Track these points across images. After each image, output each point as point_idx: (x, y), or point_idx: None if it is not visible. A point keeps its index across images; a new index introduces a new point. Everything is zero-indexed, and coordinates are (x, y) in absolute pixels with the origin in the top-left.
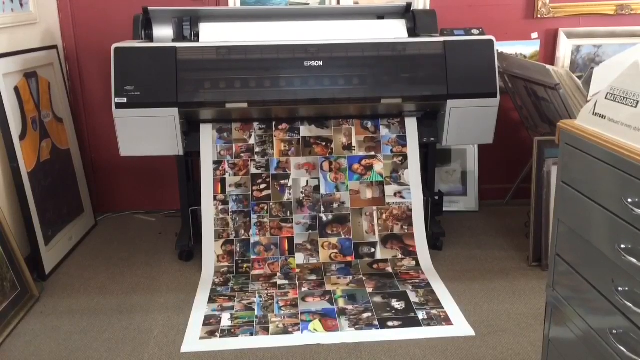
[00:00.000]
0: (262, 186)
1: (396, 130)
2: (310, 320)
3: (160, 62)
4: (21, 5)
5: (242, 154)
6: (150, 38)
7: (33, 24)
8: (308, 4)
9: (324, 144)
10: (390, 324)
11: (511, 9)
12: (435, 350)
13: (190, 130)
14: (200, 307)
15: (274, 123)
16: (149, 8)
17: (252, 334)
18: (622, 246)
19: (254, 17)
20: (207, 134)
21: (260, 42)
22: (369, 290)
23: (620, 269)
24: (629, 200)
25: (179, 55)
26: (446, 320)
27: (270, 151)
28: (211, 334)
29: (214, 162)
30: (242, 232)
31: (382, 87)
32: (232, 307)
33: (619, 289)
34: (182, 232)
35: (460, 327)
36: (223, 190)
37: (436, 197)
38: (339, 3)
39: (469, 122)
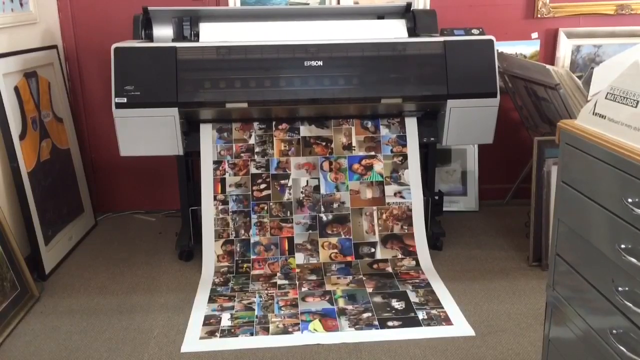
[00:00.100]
0: (262, 186)
1: (396, 130)
2: (310, 320)
3: (160, 62)
4: (21, 5)
5: (242, 154)
6: (150, 38)
7: (33, 24)
8: (308, 4)
9: (324, 143)
10: (390, 324)
11: (511, 9)
12: (435, 350)
13: (190, 130)
14: (200, 307)
15: (274, 123)
16: (149, 8)
17: (252, 334)
18: (622, 246)
19: (254, 17)
20: (207, 134)
21: (260, 42)
22: (369, 290)
23: (620, 269)
24: (629, 200)
25: (179, 55)
26: (446, 320)
27: (270, 151)
28: (211, 334)
29: (214, 162)
30: (242, 232)
31: (382, 87)
32: (232, 307)
33: (619, 288)
34: (182, 232)
35: (460, 327)
36: (223, 190)
37: (436, 197)
38: (339, 3)
39: (469, 122)
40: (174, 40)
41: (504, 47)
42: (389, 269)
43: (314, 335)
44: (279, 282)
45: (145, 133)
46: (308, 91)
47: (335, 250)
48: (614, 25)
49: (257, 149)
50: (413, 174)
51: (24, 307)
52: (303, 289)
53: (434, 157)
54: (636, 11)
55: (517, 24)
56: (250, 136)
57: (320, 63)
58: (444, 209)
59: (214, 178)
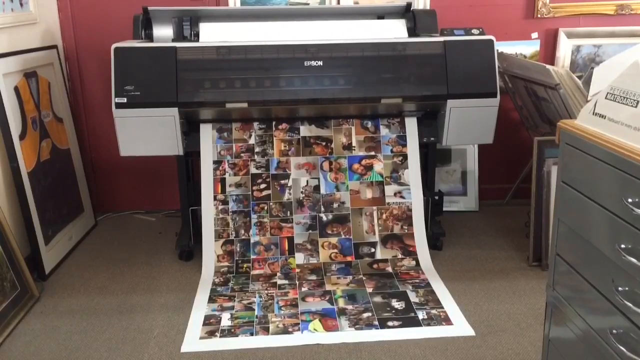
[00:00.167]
0: (262, 186)
1: (396, 130)
2: (310, 320)
3: (160, 62)
4: (21, 5)
5: (242, 154)
6: (150, 38)
7: (33, 24)
8: (308, 4)
9: (324, 143)
10: (390, 323)
11: (511, 9)
12: (435, 350)
13: (190, 130)
14: (200, 307)
15: (274, 123)
16: (149, 8)
17: (252, 334)
18: (622, 246)
19: (254, 17)
20: (207, 134)
21: (260, 42)
22: (369, 290)
23: (620, 268)
24: (629, 200)
25: (179, 55)
26: (446, 320)
27: (270, 151)
28: (211, 334)
29: (214, 162)
30: (242, 232)
31: (382, 87)
32: (232, 307)
33: (619, 288)
34: (182, 232)
35: (460, 327)
36: (223, 190)
37: (436, 197)
38: (339, 3)
39: (469, 122)
40: (174, 40)
41: (504, 47)
42: (389, 269)
43: (314, 335)
44: (279, 282)
45: (145, 133)
46: (308, 91)
47: (335, 250)
48: (614, 25)
49: (257, 149)
50: (413, 174)
51: (24, 307)
52: (303, 289)
53: (434, 157)
54: (636, 11)
55: (517, 24)
56: (250, 136)
57: (320, 63)
58: (444, 209)
59: (214, 178)
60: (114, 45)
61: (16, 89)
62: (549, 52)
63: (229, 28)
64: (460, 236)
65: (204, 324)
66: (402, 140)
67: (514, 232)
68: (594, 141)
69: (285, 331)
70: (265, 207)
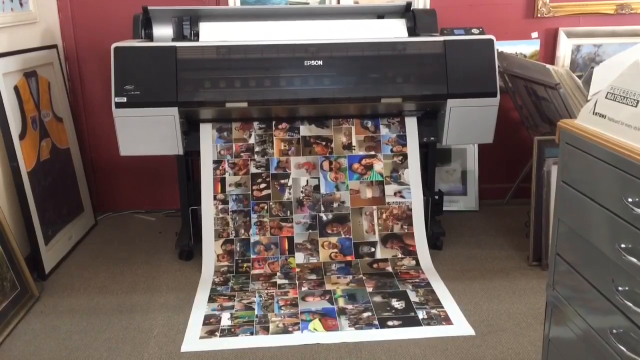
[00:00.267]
0: (262, 185)
1: (396, 130)
2: (310, 320)
3: (160, 61)
4: (21, 4)
5: (242, 154)
6: (150, 37)
7: (33, 24)
8: (308, 4)
9: (324, 143)
10: (390, 323)
11: (511, 9)
12: (435, 350)
13: (190, 130)
14: (200, 307)
15: (273, 122)
16: (149, 7)
17: (252, 334)
18: (623, 246)
19: (254, 16)
20: (207, 134)
21: (260, 42)
22: (369, 289)
23: (620, 268)
24: (629, 199)
25: (179, 54)
26: (446, 320)
27: (270, 150)
28: (211, 334)
29: (214, 162)
30: (242, 231)
31: (382, 86)
32: (232, 307)
33: (619, 288)
34: (182, 231)
35: (460, 326)
36: (223, 190)
37: (436, 197)
38: (339, 2)
39: (469, 122)
40: (173, 40)
41: (504, 46)
42: (389, 269)
43: (314, 334)
44: (279, 281)
45: (145, 132)
46: (308, 91)
47: (335, 250)
48: (614, 25)
49: (257, 149)
50: (413, 173)
51: (23, 307)
52: (303, 289)
53: (434, 156)
54: (636, 11)
55: (517, 23)
56: (250, 136)
57: (320, 62)
58: (444, 208)
59: (213, 177)
60: (113, 45)
61: (16, 89)
62: (549, 51)
63: (228, 27)
64: (460, 236)
65: (204, 324)
66: (402, 139)
67: (514, 232)
68: (594, 141)
69: (285, 331)
70: (265, 207)
